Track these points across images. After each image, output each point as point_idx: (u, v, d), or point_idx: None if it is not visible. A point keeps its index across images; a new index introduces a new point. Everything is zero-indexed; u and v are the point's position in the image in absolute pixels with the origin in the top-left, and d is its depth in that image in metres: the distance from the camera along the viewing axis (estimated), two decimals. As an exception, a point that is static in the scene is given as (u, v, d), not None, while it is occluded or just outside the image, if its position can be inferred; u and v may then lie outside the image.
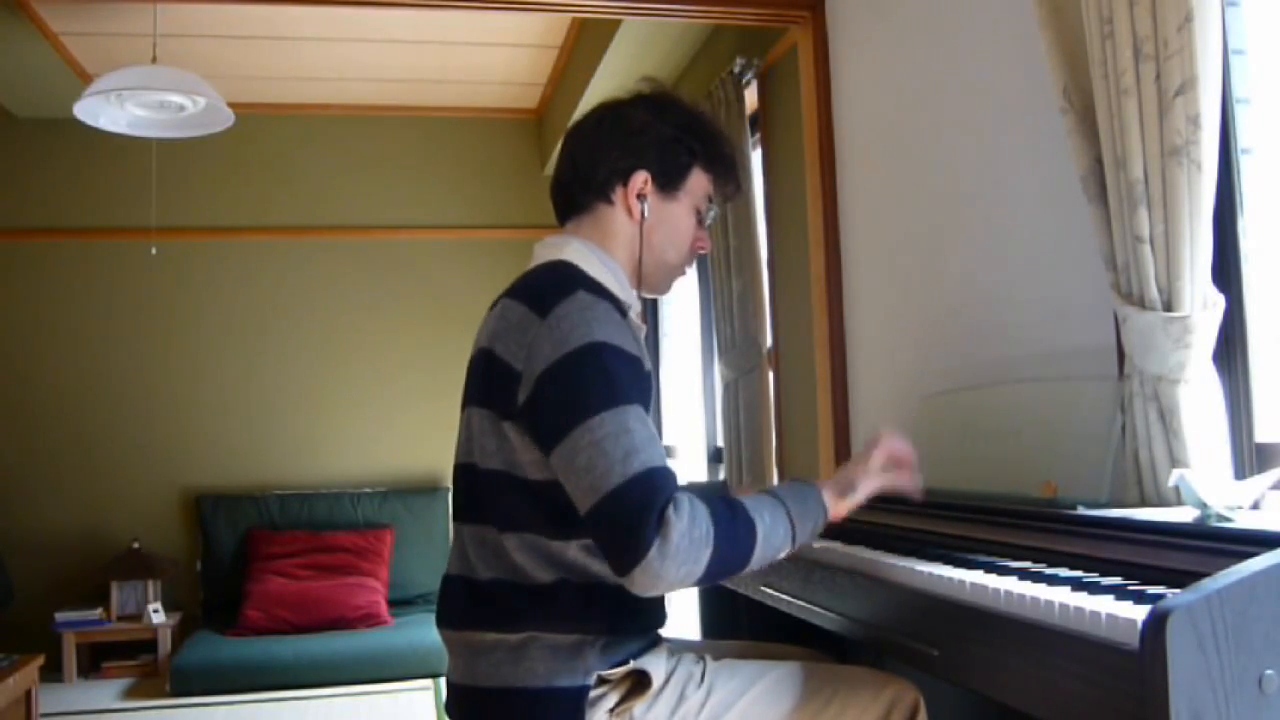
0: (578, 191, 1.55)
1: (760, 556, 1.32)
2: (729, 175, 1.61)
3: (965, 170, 2.23)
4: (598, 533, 1.28)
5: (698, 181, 1.56)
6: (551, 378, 1.32)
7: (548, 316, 1.35)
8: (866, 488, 1.46)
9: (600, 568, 1.38)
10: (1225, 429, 1.50)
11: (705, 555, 1.25)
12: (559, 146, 1.61)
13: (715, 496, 1.33)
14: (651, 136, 1.52)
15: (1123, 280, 1.56)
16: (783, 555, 1.37)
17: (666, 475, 1.28)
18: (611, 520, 1.25)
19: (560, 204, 1.59)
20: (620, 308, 1.41)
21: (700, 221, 1.59)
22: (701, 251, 1.61)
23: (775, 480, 3.30)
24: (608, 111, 1.56)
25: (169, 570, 4.92)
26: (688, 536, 1.23)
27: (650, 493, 1.25)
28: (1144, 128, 1.49)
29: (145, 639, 4.72)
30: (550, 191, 1.60)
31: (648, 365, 1.40)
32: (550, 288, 1.39)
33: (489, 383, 1.40)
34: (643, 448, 1.27)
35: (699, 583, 1.28)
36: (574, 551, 1.38)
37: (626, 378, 1.33)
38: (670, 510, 1.23)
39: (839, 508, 1.43)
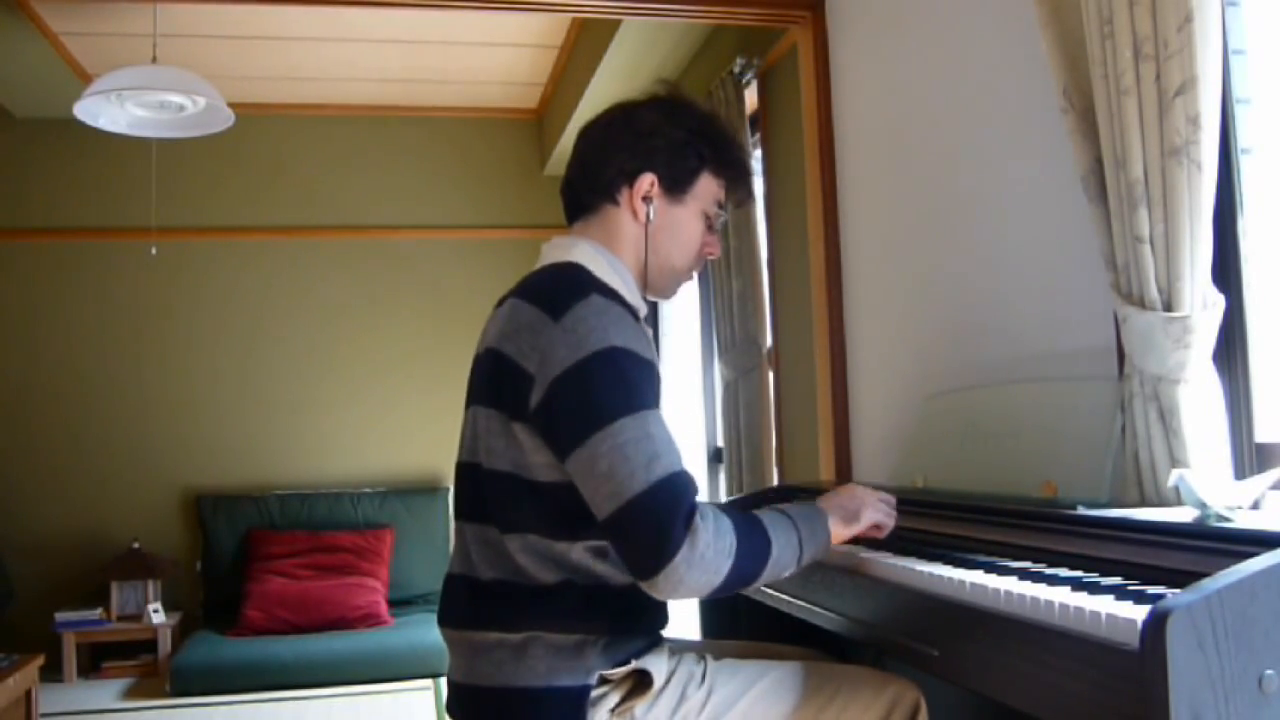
0: (584, 192, 1.55)
1: (768, 575, 1.35)
2: (740, 181, 1.60)
3: (965, 170, 2.23)
4: (620, 537, 1.29)
5: (706, 186, 1.55)
6: (568, 382, 1.31)
7: (562, 319, 1.34)
8: (869, 517, 1.49)
9: (605, 569, 1.38)
10: (1225, 429, 1.50)
11: (727, 566, 1.28)
12: (573, 144, 1.60)
13: (733, 510, 1.35)
14: (661, 139, 1.51)
15: (1123, 280, 1.56)
16: (784, 576, 1.40)
17: (689, 480, 1.30)
18: (636, 525, 1.26)
19: (569, 204, 1.58)
20: (633, 312, 1.41)
21: (710, 226, 1.58)
22: (710, 256, 1.60)
23: (775, 481, 3.31)
24: (619, 112, 1.56)
25: (169, 570, 4.92)
26: (713, 546, 1.26)
27: (676, 497, 1.27)
28: (1144, 128, 1.49)
29: (145, 639, 4.72)
30: (560, 190, 1.60)
31: (660, 368, 1.40)
32: (563, 290, 1.38)
33: (498, 383, 1.39)
34: (665, 452, 1.29)
35: (713, 593, 1.30)
36: (578, 553, 1.38)
37: (644, 382, 1.33)
38: (697, 517, 1.26)
39: (840, 534, 1.46)
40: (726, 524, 1.30)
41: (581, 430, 1.29)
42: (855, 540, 1.51)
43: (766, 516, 1.38)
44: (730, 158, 1.57)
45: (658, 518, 1.25)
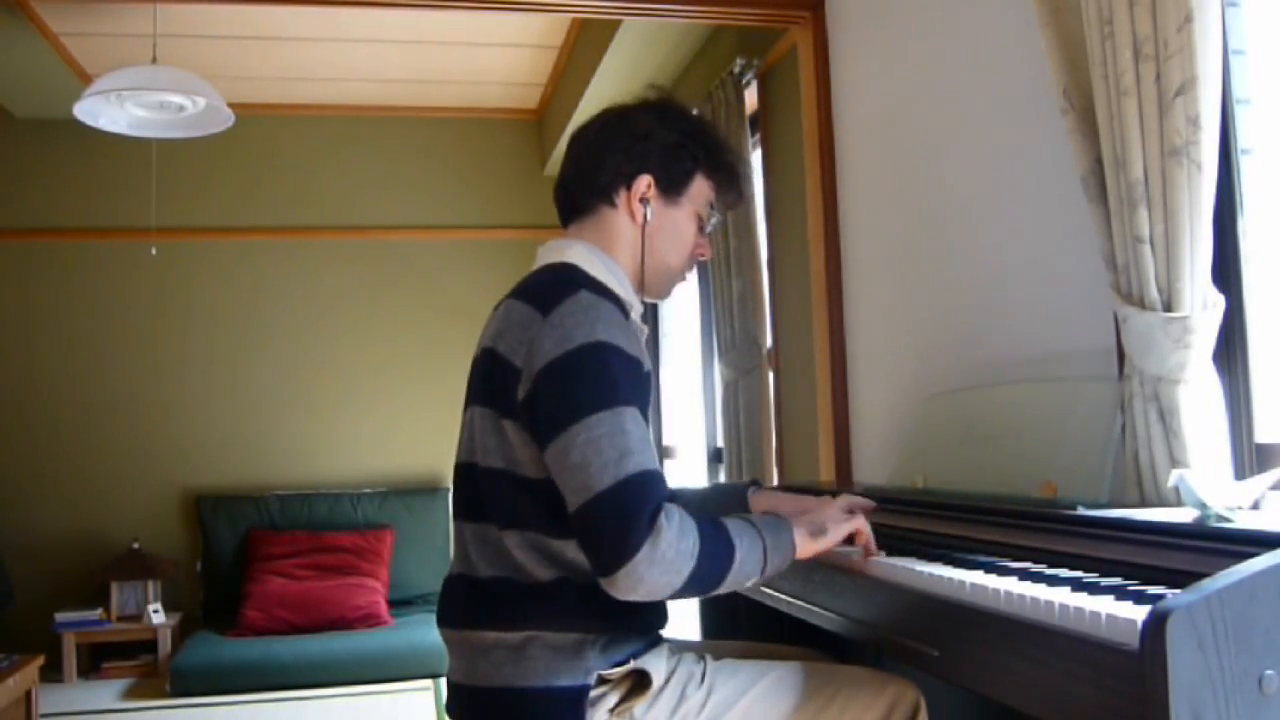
0: (580, 193, 1.56)
1: (731, 581, 1.35)
2: (731, 184, 1.62)
3: (965, 170, 2.23)
4: (585, 531, 1.29)
5: (700, 188, 1.58)
6: (551, 374, 1.33)
7: (550, 314, 1.36)
8: (836, 533, 1.46)
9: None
10: (1225, 429, 1.50)
11: (688, 569, 1.28)
12: (565, 149, 1.62)
13: (702, 514, 1.35)
14: (655, 141, 1.53)
15: (1123, 280, 1.56)
16: (748, 585, 1.39)
17: (659, 480, 1.30)
18: (601, 520, 1.26)
19: (563, 206, 1.60)
20: (623, 308, 1.42)
21: (702, 228, 1.60)
22: (702, 258, 1.62)
23: (775, 481, 3.30)
24: (612, 116, 1.58)
25: (169, 570, 4.92)
26: (675, 547, 1.26)
27: (643, 496, 1.27)
28: (1144, 128, 1.49)
29: (145, 639, 4.72)
30: (554, 193, 1.61)
31: (648, 367, 1.40)
32: (553, 288, 1.40)
33: (491, 381, 1.41)
34: (637, 450, 1.29)
35: (673, 595, 1.31)
36: (574, 550, 1.37)
37: (626, 379, 1.34)
38: (662, 517, 1.26)
39: (807, 548, 1.44)
40: (691, 526, 1.30)
41: (560, 421, 1.30)
42: (850, 542, 1.50)
43: (732, 523, 1.37)
44: (722, 160, 1.59)
45: (622, 514, 1.25)
